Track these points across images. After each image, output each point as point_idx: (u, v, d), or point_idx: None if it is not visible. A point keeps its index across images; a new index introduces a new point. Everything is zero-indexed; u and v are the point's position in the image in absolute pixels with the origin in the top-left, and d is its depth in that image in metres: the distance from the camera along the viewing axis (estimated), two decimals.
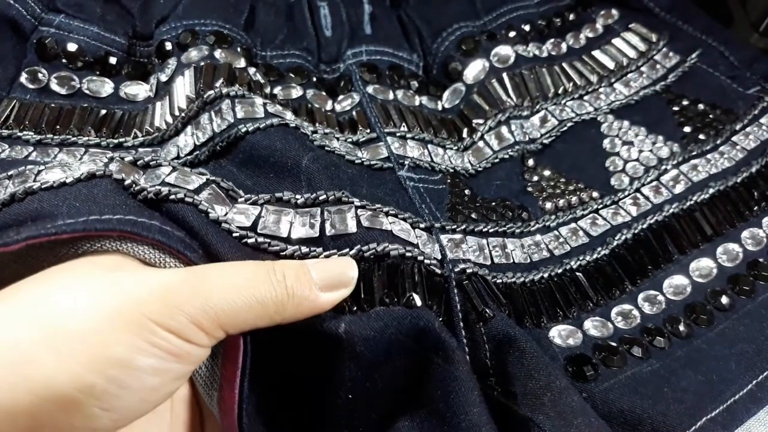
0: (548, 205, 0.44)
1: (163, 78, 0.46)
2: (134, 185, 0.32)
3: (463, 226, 0.41)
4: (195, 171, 0.36)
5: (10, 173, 0.33)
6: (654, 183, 0.45)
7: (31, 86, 0.44)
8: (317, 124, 0.45)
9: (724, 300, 0.39)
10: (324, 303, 0.31)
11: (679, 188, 0.45)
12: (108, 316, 0.26)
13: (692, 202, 0.44)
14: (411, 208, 0.41)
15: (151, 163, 0.35)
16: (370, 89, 0.49)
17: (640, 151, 0.47)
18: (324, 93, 0.50)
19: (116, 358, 0.25)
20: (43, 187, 0.31)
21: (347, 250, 0.34)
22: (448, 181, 0.45)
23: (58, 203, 0.30)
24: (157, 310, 0.26)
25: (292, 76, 0.50)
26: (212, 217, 0.33)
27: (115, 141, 0.43)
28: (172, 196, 0.33)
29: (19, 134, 0.41)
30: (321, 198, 0.36)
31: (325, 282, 0.31)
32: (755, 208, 0.43)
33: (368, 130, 0.46)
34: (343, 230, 0.35)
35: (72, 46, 0.46)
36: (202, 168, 0.38)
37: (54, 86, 0.45)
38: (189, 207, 0.33)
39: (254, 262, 0.31)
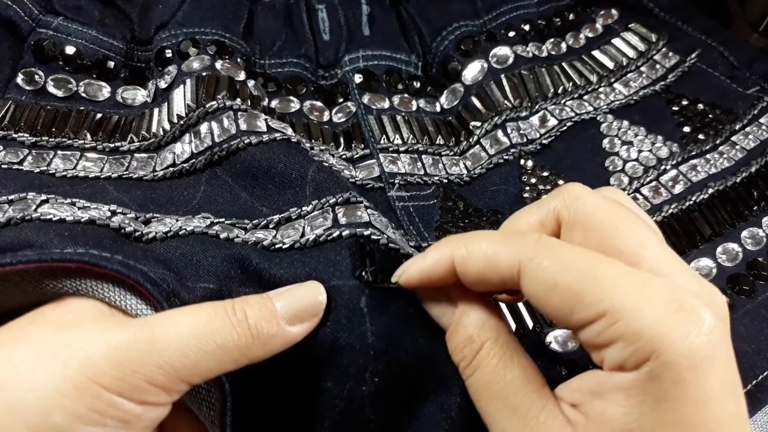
0: None
1: (162, 85, 0.46)
2: (136, 232, 0.33)
3: None
4: (198, 217, 0.36)
5: (11, 198, 0.34)
6: (653, 183, 0.45)
7: (27, 88, 0.44)
8: (313, 140, 0.45)
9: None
10: (294, 337, 0.29)
11: (678, 188, 0.44)
12: (52, 382, 0.24)
13: (691, 203, 0.43)
14: (399, 230, 0.41)
15: (152, 219, 0.35)
16: (366, 98, 0.50)
17: (640, 151, 0.47)
18: (320, 103, 0.50)
19: (55, 427, 0.24)
20: (42, 218, 0.31)
21: (362, 230, 0.33)
22: (441, 193, 0.45)
23: (49, 235, 0.30)
24: (107, 373, 0.25)
25: (290, 87, 0.50)
26: (237, 241, 0.33)
27: (111, 145, 0.43)
28: (182, 231, 0.33)
29: (15, 136, 0.41)
30: (331, 201, 0.36)
31: (292, 314, 0.29)
32: (755, 207, 0.43)
33: (362, 146, 0.46)
34: (355, 220, 0.35)
35: (70, 49, 0.46)
36: (196, 176, 0.39)
37: (50, 88, 0.45)
38: (201, 236, 0.33)
39: (211, 304, 0.29)
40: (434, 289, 0.31)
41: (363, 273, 0.31)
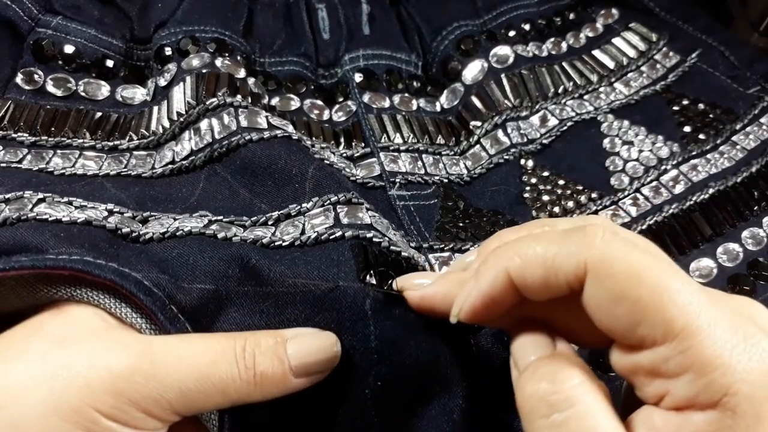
0: (542, 216, 0.44)
1: (162, 83, 0.46)
2: (133, 233, 0.33)
3: (451, 245, 0.41)
4: (196, 215, 0.36)
5: (7, 197, 0.33)
6: (654, 183, 0.45)
7: (26, 87, 0.44)
8: (314, 138, 0.45)
9: None
10: (297, 388, 0.28)
11: (678, 188, 0.44)
12: (51, 404, 0.25)
13: (692, 203, 0.43)
14: (400, 229, 0.41)
15: (149, 218, 0.35)
16: (366, 97, 0.50)
17: (640, 151, 0.47)
18: (321, 102, 0.50)
19: None
20: (38, 218, 0.31)
21: (365, 232, 0.33)
22: (441, 193, 0.45)
23: (44, 236, 0.30)
24: (104, 401, 0.25)
25: (290, 85, 0.50)
26: (234, 240, 0.33)
27: (110, 144, 0.43)
28: (179, 232, 0.33)
29: (14, 135, 0.41)
30: (332, 199, 0.36)
31: (302, 365, 0.28)
32: (755, 207, 0.43)
33: (363, 144, 0.46)
34: (357, 221, 0.35)
35: (69, 48, 0.46)
36: (195, 174, 0.38)
37: (50, 88, 0.45)
38: (198, 237, 0.33)
39: (219, 340, 0.28)
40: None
41: (366, 276, 0.31)
